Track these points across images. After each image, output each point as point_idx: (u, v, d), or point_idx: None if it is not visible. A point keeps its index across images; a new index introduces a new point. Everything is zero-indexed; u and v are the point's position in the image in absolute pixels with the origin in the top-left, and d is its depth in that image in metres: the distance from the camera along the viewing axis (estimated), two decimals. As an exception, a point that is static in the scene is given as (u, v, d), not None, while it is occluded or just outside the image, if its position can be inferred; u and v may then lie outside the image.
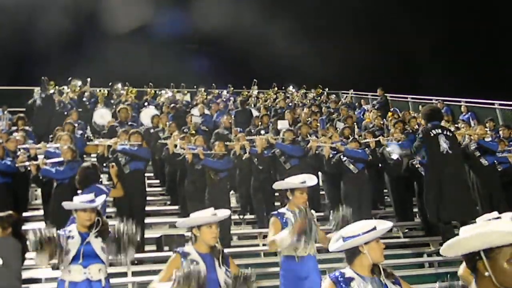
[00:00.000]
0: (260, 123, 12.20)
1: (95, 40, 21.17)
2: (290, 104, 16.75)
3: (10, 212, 5.52)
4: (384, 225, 3.13)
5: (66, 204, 4.77)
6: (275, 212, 5.11)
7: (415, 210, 9.75)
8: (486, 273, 2.00)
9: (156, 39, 21.77)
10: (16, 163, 8.25)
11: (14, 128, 11.76)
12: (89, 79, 15.44)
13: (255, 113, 13.90)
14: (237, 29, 20.40)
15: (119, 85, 15.94)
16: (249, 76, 18.77)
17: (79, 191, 6.39)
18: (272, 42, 21.49)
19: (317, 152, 9.46)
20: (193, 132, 10.95)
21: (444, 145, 7.85)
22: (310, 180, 5.20)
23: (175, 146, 9.26)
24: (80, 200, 4.72)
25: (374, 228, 3.05)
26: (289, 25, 21.47)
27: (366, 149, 9.50)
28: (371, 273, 3.04)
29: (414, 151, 8.37)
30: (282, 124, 10.84)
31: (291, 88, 18.92)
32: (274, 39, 21.52)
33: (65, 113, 12.76)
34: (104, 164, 8.40)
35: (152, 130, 11.61)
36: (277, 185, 5.51)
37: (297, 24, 22.19)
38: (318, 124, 12.64)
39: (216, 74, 20.21)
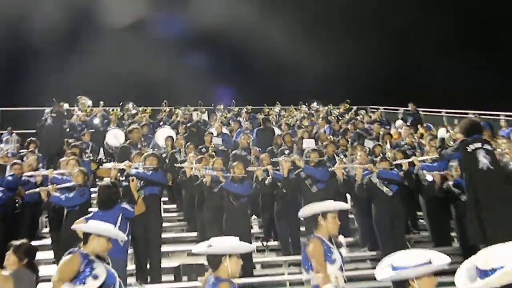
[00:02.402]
0: (282, 142, 12.17)
1: (90, 36, 21.69)
2: (313, 121, 16.72)
3: (24, 240, 5.45)
4: (441, 260, 2.98)
5: (94, 228, 4.62)
6: (317, 235, 4.90)
7: (453, 234, 9.62)
8: None
9: (154, 35, 22.43)
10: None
11: (23, 151, 11.94)
12: (102, 102, 15.69)
13: (278, 132, 13.89)
14: (239, 26, 21.05)
15: (130, 105, 16.09)
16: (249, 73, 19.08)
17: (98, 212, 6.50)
18: (272, 39, 22.20)
19: (345, 175, 9.35)
20: (212, 153, 10.98)
21: (484, 160, 7.47)
22: (343, 203, 5.17)
23: (192, 169, 9.32)
24: (108, 226, 4.65)
25: (430, 262, 2.91)
26: (300, 29, 22.27)
27: (398, 170, 9.42)
28: None
29: (442, 158, 8.19)
30: (308, 144, 10.82)
31: (315, 104, 18.95)
32: (276, 36, 22.27)
33: (75, 135, 13.01)
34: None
35: (166, 152, 11.73)
36: (307, 210, 5.18)
37: (311, 29, 23.07)
38: (347, 142, 12.54)
39: (216, 71, 21.08)
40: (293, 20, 22.86)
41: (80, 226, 4.80)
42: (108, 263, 4.60)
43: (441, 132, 15.54)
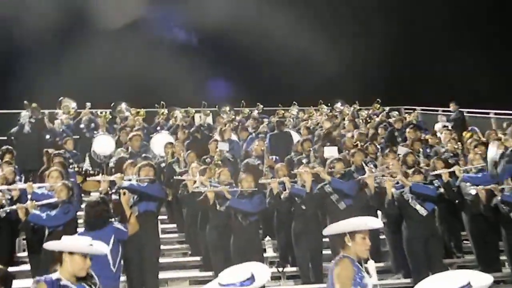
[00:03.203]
0: (302, 149, 12.24)
1: (84, 36, 22.25)
2: (336, 124, 16.48)
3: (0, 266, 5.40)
4: (483, 281, 3.05)
5: (63, 245, 4.63)
6: (347, 255, 4.85)
7: (503, 258, 9.54)
8: None
9: (151, 34, 23.15)
10: None
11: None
12: (88, 104, 15.72)
13: (296, 137, 13.91)
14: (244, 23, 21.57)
15: (123, 106, 16.21)
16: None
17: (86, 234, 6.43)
18: (282, 34, 22.85)
19: (376, 187, 9.37)
20: (218, 162, 11.02)
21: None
22: (374, 221, 5.17)
23: (194, 182, 9.37)
24: (88, 242, 4.65)
25: (469, 285, 2.98)
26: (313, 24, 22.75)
27: (437, 181, 9.41)
28: None
29: (494, 175, 8.18)
30: (330, 152, 10.77)
31: (339, 105, 18.97)
32: (285, 31, 22.90)
33: (59, 142, 12.96)
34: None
35: (165, 161, 11.82)
36: (333, 229, 5.19)
37: (324, 23, 23.55)
38: (377, 149, 12.54)
39: (221, 69, 21.82)
40: (302, 13, 23.66)
41: (48, 244, 4.84)
42: (95, 284, 4.66)
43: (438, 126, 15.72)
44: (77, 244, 4.61)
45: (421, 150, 12.31)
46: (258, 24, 22.84)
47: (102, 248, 4.88)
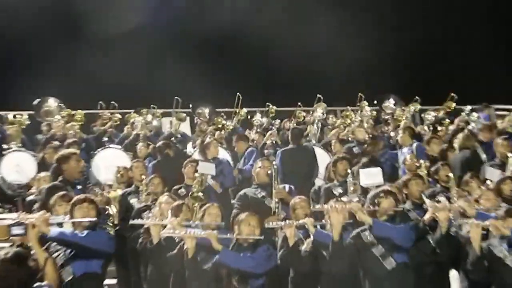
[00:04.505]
0: (334, 172, 11.81)
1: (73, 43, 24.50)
2: (384, 132, 17.02)
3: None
4: None
5: None
6: None
7: None
8: None
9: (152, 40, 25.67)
10: None
11: None
12: None
13: (321, 155, 13.84)
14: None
15: (52, 101, 16.09)
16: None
17: None
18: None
19: (450, 232, 8.66)
20: (197, 194, 10.67)
21: None
22: None
23: (164, 226, 8.86)
24: None
25: None
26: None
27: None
28: None
29: None
30: (370, 177, 10.54)
31: (390, 103, 18.62)
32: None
33: None
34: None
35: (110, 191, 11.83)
36: None
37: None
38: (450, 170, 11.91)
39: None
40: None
41: None
42: None
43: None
44: None
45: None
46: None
47: None
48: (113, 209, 11.15)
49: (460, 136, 13.78)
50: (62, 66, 22.73)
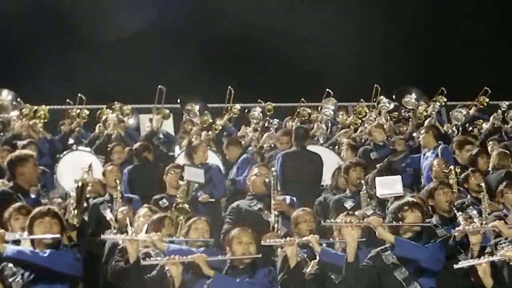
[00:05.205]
0: (346, 181, 11.75)
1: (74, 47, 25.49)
2: (403, 131, 17.22)
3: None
4: None
5: None
6: None
7: None
8: None
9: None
10: None
11: None
12: None
13: (328, 157, 13.89)
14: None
15: (6, 93, 16.28)
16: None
17: None
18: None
19: (489, 257, 8.35)
20: (182, 206, 10.46)
21: None
22: None
23: (142, 243, 8.84)
24: None
25: None
26: None
27: None
28: None
29: None
30: (388, 187, 10.42)
31: (412, 98, 18.54)
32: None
33: None
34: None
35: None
36: None
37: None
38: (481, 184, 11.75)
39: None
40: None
41: None
42: None
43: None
44: None
45: None
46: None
47: None
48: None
49: (494, 154, 13.63)
50: (62, 70, 23.22)
